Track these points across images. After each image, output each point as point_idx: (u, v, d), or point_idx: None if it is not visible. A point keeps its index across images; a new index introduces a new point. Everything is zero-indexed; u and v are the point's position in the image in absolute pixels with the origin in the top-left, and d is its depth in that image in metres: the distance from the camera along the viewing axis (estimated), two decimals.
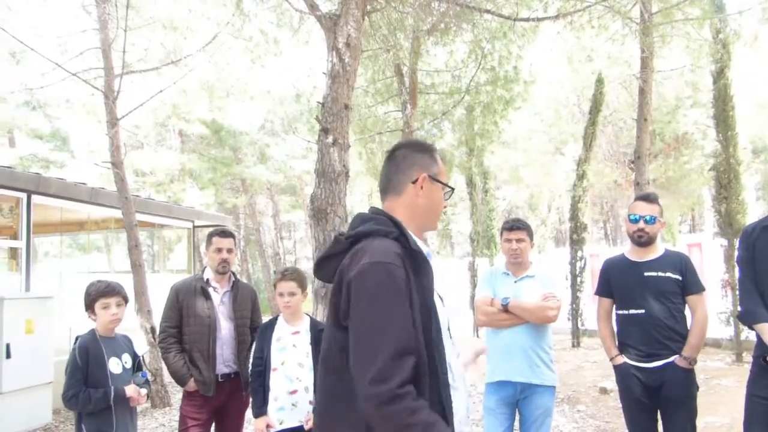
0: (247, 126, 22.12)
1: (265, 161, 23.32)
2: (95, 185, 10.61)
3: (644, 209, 3.86)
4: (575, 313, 12.44)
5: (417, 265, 1.85)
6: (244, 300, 4.36)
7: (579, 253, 12.59)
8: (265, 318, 4.19)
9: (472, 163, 14.72)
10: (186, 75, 10.72)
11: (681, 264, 3.80)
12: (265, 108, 21.89)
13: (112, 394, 3.50)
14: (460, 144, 13.47)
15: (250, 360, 3.91)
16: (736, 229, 9.19)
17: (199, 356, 4.13)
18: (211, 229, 4.48)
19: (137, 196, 11.32)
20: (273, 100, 20.16)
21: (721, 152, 9.81)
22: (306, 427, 3.64)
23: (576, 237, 12.64)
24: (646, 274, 3.80)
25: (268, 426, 3.65)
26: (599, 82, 12.36)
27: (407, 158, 2.06)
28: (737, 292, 4.22)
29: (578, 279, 12.53)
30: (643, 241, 3.84)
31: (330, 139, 5.22)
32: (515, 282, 4.03)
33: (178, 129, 23.14)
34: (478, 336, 14.25)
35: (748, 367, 3.43)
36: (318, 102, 5.53)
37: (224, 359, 4.19)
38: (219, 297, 4.27)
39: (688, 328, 3.77)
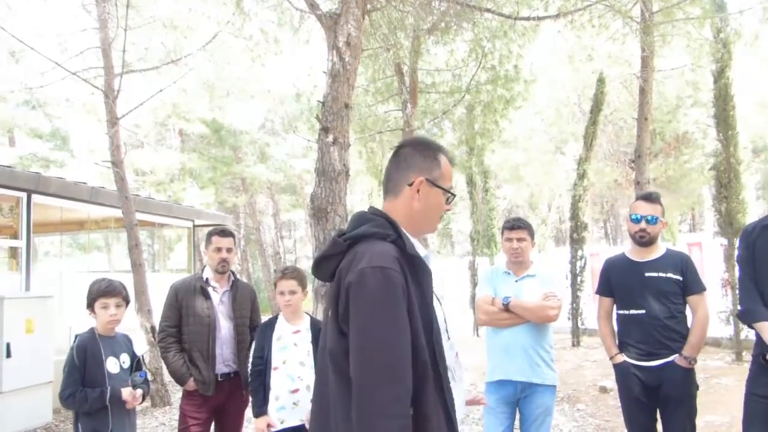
0: (248, 125, 22.12)
1: (266, 160, 23.32)
2: (95, 184, 10.61)
3: (646, 209, 3.85)
4: (575, 313, 12.44)
5: (415, 268, 1.84)
6: (243, 299, 4.35)
7: (579, 253, 12.59)
8: (265, 317, 4.18)
9: (473, 162, 14.72)
10: (186, 74, 10.73)
11: (682, 264, 3.79)
12: (265, 107, 21.90)
13: (108, 394, 3.49)
14: (460, 143, 13.47)
15: (250, 359, 3.90)
16: (736, 228, 9.19)
17: (198, 356, 4.13)
18: (211, 228, 4.47)
19: (137, 195, 11.33)
20: (273, 99, 20.16)
21: (722, 151, 9.81)
22: (307, 426, 3.64)
23: (576, 236, 12.64)
24: (646, 274, 3.79)
25: (268, 425, 3.65)
26: (600, 81, 12.36)
27: (407, 159, 2.02)
28: (737, 292, 4.22)
29: (578, 278, 12.53)
30: (644, 241, 3.83)
31: (330, 138, 5.22)
32: (516, 281, 4.02)
33: (178, 128, 23.14)
34: (478, 335, 14.25)
35: (747, 366, 3.43)
36: (318, 101, 5.52)
37: (224, 359, 4.19)
38: (218, 296, 4.26)
39: (689, 327, 3.76)
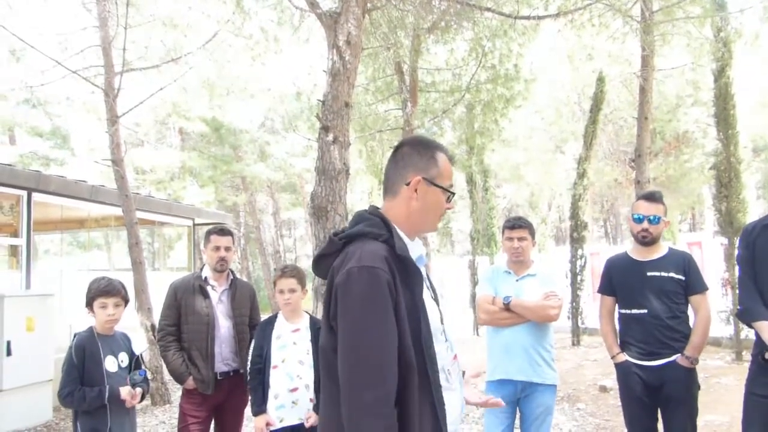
0: (248, 124, 22.09)
1: (266, 159, 23.30)
2: (95, 183, 10.61)
3: (648, 209, 3.83)
4: (575, 312, 12.44)
5: (404, 268, 1.85)
6: (242, 298, 4.36)
7: (579, 252, 12.58)
8: (265, 316, 4.18)
9: (473, 161, 14.71)
10: (186, 73, 10.72)
11: (684, 264, 3.78)
12: (265, 106, 21.86)
13: (107, 393, 3.49)
14: (460, 142, 13.47)
15: (249, 357, 3.90)
16: (736, 227, 9.19)
17: (197, 354, 4.13)
18: (211, 226, 4.47)
19: (137, 193, 11.33)
20: (273, 98, 20.13)
21: (722, 151, 9.80)
22: (307, 425, 3.64)
23: (576, 235, 12.63)
24: (648, 273, 3.78)
25: (267, 424, 3.65)
26: (600, 80, 12.34)
27: (405, 159, 2.02)
28: (737, 291, 4.22)
29: (578, 277, 12.52)
30: (646, 241, 3.82)
31: (330, 137, 5.22)
32: (517, 280, 4.01)
33: (178, 127, 23.12)
34: (478, 334, 14.25)
35: (747, 365, 3.43)
36: (318, 100, 5.52)
37: (223, 357, 4.20)
38: (217, 295, 4.27)
39: (691, 327, 3.75)
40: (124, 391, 3.56)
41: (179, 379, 4.16)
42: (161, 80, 10.19)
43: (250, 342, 4.04)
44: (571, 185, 13.43)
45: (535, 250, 4.39)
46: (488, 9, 8.08)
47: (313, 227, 5.28)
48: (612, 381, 7.91)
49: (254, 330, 4.10)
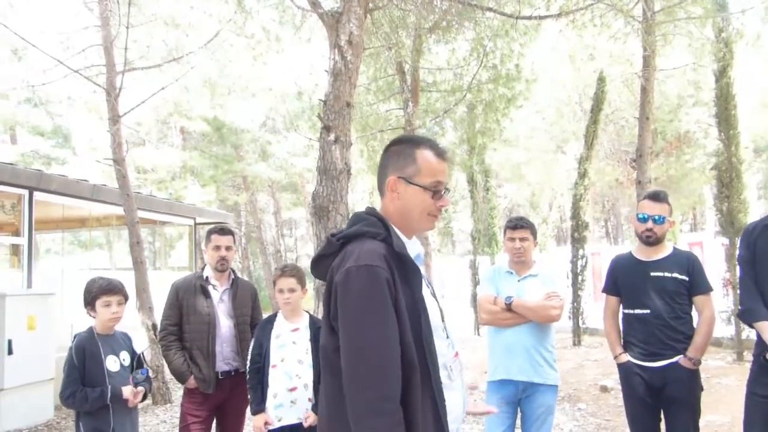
0: (249, 123, 22.10)
1: (267, 159, 23.30)
2: (97, 182, 10.62)
3: (653, 209, 3.81)
4: (576, 312, 12.43)
5: (403, 266, 1.86)
6: (243, 297, 4.36)
7: (580, 252, 12.58)
8: (266, 315, 4.18)
9: (474, 161, 14.71)
10: (188, 72, 10.74)
11: (688, 264, 3.76)
12: (266, 105, 21.87)
13: (109, 393, 3.49)
14: (461, 142, 13.48)
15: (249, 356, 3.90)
16: (737, 228, 9.19)
17: (198, 354, 4.14)
18: (212, 226, 4.48)
19: (139, 193, 11.34)
20: (275, 97, 20.14)
21: (723, 151, 9.80)
22: (305, 424, 3.64)
23: (577, 235, 12.63)
24: (652, 274, 3.76)
25: (266, 423, 3.65)
26: (601, 80, 12.34)
27: (387, 159, 2.04)
28: (738, 291, 4.22)
29: (579, 277, 12.52)
30: (650, 240, 3.81)
31: (332, 136, 5.22)
32: (518, 281, 4.01)
33: (179, 126, 23.14)
34: (479, 334, 14.26)
35: (748, 366, 3.43)
36: (320, 99, 5.53)
37: (224, 357, 4.20)
38: (218, 295, 4.27)
39: (695, 328, 3.74)
40: (127, 391, 3.56)
41: (180, 378, 4.16)
42: (163, 79, 10.20)
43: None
44: (572, 185, 13.42)
45: (537, 251, 4.39)
46: (490, 9, 8.08)
47: (314, 227, 5.29)
48: (613, 381, 7.91)
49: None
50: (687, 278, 3.72)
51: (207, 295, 4.21)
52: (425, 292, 1.92)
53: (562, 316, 3.98)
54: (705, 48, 9.89)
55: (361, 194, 23.80)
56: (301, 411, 3.65)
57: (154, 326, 8.03)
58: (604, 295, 4.12)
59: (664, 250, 3.85)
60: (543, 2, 8.24)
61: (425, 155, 1.98)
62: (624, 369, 3.87)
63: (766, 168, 21.39)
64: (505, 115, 11.69)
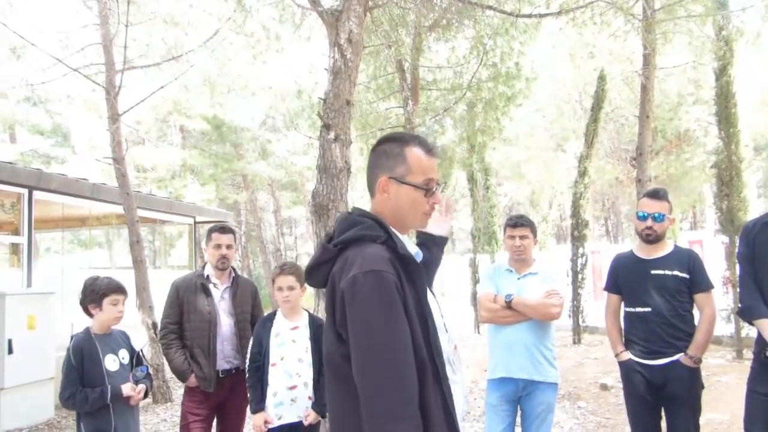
0: (249, 122, 22.10)
1: (267, 157, 23.28)
2: (96, 181, 10.63)
3: (653, 206, 3.82)
4: (576, 310, 12.43)
5: (408, 267, 1.84)
6: (244, 295, 4.37)
7: (580, 250, 12.57)
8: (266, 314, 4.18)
9: (474, 159, 14.68)
10: (187, 71, 10.73)
11: (689, 262, 3.76)
12: (266, 104, 21.86)
13: (109, 393, 3.48)
14: (461, 140, 13.45)
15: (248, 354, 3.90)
16: (737, 226, 9.19)
17: (199, 352, 4.14)
18: (212, 224, 4.48)
19: (139, 192, 11.34)
20: (274, 96, 20.13)
21: (723, 149, 9.80)
22: (305, 423, 3.63)
23: (577, 234, 12.62)
24: (652, 272, 3.77)
25: (265, 422, 3.65)
26: (601, 78, 12.33)
27: (376, 159, 2.00)
28: (738, 289, 4.22)
29: (579, 276, 12.52)
30: (650, 238, 3.81)
31: (331, 135, 5.21)
32: (518, 279, 4.01)
33: (179, 125, 23.12)
34: (479, 332, 14.26)
35: (748, 364, 3.43)
36: (319, 98, 5.51)
37: (225, 355, 4.20)
38: (219, 293, 4.28)
39: (696, 326, 3.73)
40: (127, 388, 3.56)
41: (181, 376, 4.16)
42: (162, 78, 10.20)
43: None
44: (572, 183, 13.42)
45: (537, 249, 4.38)
46: (489, 7, 8.06)
47: (314, 225, 5.27)
48: (613, 379, 7.92)
49: None
50: (688, 276, 3.71)
51: (208, 293, 4.22)
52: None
53: (562, 314, 3.98)
54: (705, 46, 9.88)
55: (361, 192, 23.79)
56: (301, 409, 3.65)
57: (154, 325, 8.03)
58: (605, 293, 4.12)
59: (665, 248, 3.85)
60: (543, 0, 8.24)
61: (414, 153, 1.94)
62: (625, 367, 3.87)
63: (766, 166, 21.39)
64: (505, 113, 11.67)
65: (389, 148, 1.97)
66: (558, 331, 4.56)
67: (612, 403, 7.28)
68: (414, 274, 1.85)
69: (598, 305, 10.57)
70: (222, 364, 4.19)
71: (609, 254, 4.30)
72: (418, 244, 2.38)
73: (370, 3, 6.15)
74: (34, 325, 7.42)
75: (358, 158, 13.88)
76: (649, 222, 3.79)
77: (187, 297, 4.19)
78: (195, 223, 13.53)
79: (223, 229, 4.31)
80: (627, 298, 3.92)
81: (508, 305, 3.86)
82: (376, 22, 8.75)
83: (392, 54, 10.34)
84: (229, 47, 10.91)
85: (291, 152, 22.86)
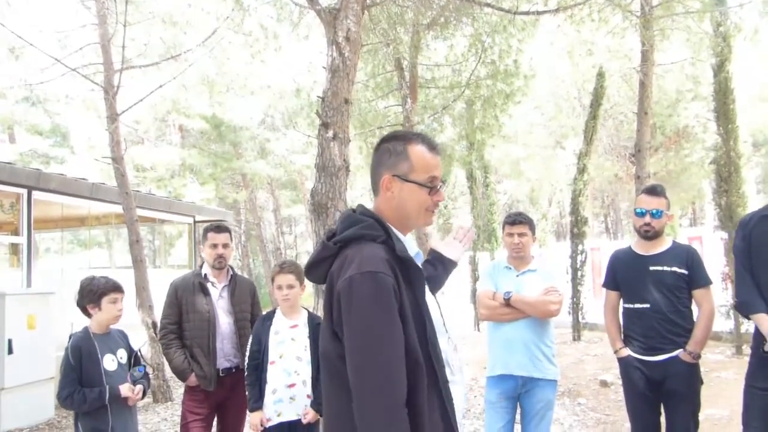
0: (248, 121, 22.11)
1: (266, 156, 23.30)
2: (96, 181, 10.62)
3: (650, 203, 3.82)
4: (576, 307, 12.43)
5: (406, 268, 1.84)
6: (242, 294, 4.37)
7: (580, 247, 12.57)
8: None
9: (473, 157, 14.67)
10: (186, 70, 10.73)
11: (687, 258, 3.76)
12: (265, 103, 21.88)
13: (107, 393, 3.48)
14: (460, 138, 13.45)
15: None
16: (736, 222, 9.17)
17: (199, 351, 4.15)
18: (208, 224, 4.49)
19: (138, 191, 11.34)
20: (273, 94, 20.15)
21: (722, 145, 9.79)
22: (304, 421, 3.64)
23: (577, 231, 12.62)
24: (651, 268, 3.77)
25: (262, 422, 3.66)
26: (600, 75, 12.32)
27: (379, 157, 1.99)
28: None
29: (579, 273, 12.52)
30: (649, 235, 3.82)
31: (330, 133, 5.21)
32: (517, 276, 4.01)
33: (178, 124, 23.12)
34: (479, 330, 14.26)
35: (748, 359, 3.43)
36: (318, 96, 5.52)
37: (224, 353, 4.21)
38: (217, 292, 4.28)
39: (694, 321, 3.74)
40: (124, 389, 3.56)
41: (181, 376, 4.17)
42: (161, 77, 10.20)
43: None
44: (572, 180, 13.42)
45: (536, 246, 4.39)
46: (487, 5, 8.07)
47: (313, 224, 5.28)
48: (612, 376, 7.92)
49: None
50: (686, 272, 3.72)
51: (206, 292, 4.22)
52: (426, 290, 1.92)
53: (562, 311, 3.98)
54: (703, 42, 9.88)
55: (360, 191, 23.79)
56: (300, 407, 3.65)
57: (154, 324, 8.04)
58: (604, 290, 4.12)
59: (663, 244, 3.86)
60: None
61: (418, 151, 1.94)
62: (624, 363, 3.88)
63: (764, 162, 21.41)
64: (504, 110, 11.67)
65: (392, 146, 1.97)
66: (558, 328, 4.57)
67: (612, 400, 7.29)
68: (412, 276, 1.85)
69: (598, 302, 10.58)
70: (222, 363, 4.19)
71: (609, 251, 4.31)
72: (427, 261, 2.40)
73: (368, 1, 6.15)
74: (34, 325, 7.43)
75: (357, 156, 13.89)
76: (647, 218, 3.80)
77: (186, 297, 4.19)
78: (194, 222, 13.54)
79: (219, 228, 4.32)
80: (625, 295, 3.92)
81: (507, 302, 3.86)
82: (374, 20, 8.75)
83: (391, 52, 10.35)
84: (228, 46, 10.92)
85: (290, 151, 22.88)
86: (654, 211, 3.80)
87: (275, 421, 3.64)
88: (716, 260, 9.81)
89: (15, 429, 7.06)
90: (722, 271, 9.66)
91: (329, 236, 1.95)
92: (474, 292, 14.95)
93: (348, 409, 1.72)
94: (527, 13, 7.96)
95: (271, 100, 21.29)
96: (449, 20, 9.34)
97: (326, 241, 1.92)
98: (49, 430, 7.27)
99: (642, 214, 3.83)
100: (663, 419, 3.83)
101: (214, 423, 4.37)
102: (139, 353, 3.86)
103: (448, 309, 2.10)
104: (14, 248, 9.94)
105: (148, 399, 8.17)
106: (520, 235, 4.00)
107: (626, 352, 3.85)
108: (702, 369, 3.83)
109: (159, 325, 4.40)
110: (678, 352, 3.66)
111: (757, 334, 3.26)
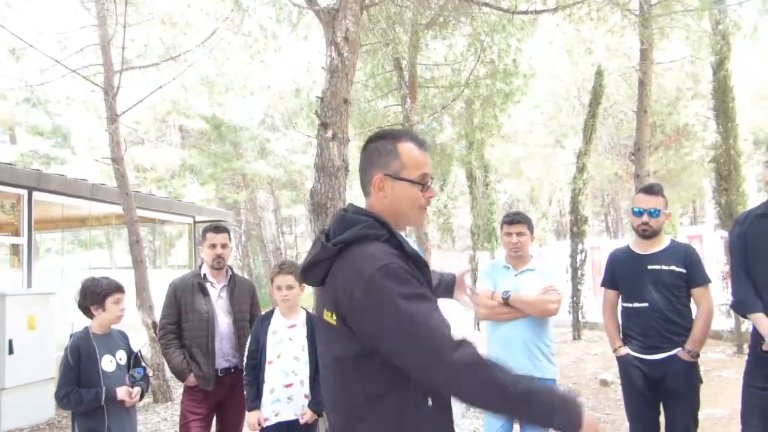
0: (247, 121, 22.11)
1: (266, 156, 23.30)
2: (96, 181, 10.64)
3: (648, 202, 3.83)
4: (576, 306, 12.45)
5: (415, 263, 1.84)
6: (241, 294, 4.38)
7: (580, 246, 12.59)
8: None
9: (473, 156, 14.69)
10: (185, 71, 10.73)
11: (686, 256, 3.76)
12: (264, 103, 21.87)
13: (104, 394, 3.48)
14: (460, 138, 13.45)
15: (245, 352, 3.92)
16: None
17: (198, 351, 4.16)
18: (206, 224, 4.50)
19: (138, 192, 11.35)
20: (273, 95, 20.14)
21: (722, 144, 9.80)
22: (301, 421, 3.65)
23: (576, 230, 12.63)
24: (649, 267, 3.77)
25: (259, 421, 3.66)
26: (599, 74, 12.34)
27: (368, 157, 1.97)
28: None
29: (579, 272, 12.53)
30: (647, 234, 3.82)
31: (329, 133, 5.21)
32: (516, 275, 4.02)
33: (178, 125, 23.13)
34: (478, 329, 14.27)
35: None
36: (317, 97, 5.52)
37: (223, 353, 4.22)
38: (216, 292, 4.29)
39: (693, 320, 3.74)
40: (122, 392, 3.55)
41: (180, 376, 4.18)
42: (161, 78, 10.20)
43: None
44: (571, 179, 13.43)
45: (536, 245, 4.39)
46: (486, 4, 8.07)
47: (313, 224, 5.28)
48: (612, 375, 7.92)
49: None
50: (684, 270, 3.72)
51: (205, 293, 4.23)
52: None
53: (561, 310, 3.99)
54: (702, 41, 9.87)
55: (359, 191, 23.73)
56: (298, 407, 3.66)
57: (154, 324, 8.04)
58: (603, 289, 4.13)
59: (662, 243, 3.86)
60: None
61: (407, 148, 1.93)
62: (623, 362, 3.88)
63: (765, 160, 21.37)
64: (504, 110, 11.66)
65: (381, 146, 1.95)
66: (558, 327, 4.58)
67: (612, 399, 7.29)
68: (422, 270, 1.84)
69: (598, 301, 10.56)
70: (221, 363, 4.20)
71: (608, 250, 4.30)
72: (434, 271, 2.40)
73: (366, 1, 6.15)
74: (35, 326, 7.44)
75: (356, 157, 13.87)
76: (645, 217, 3.80)
77: (185, 297, 4.20)
78: (194, 222, 13.55)
79: (218, 229, 4.32)
80: (624, 294, 3.93)
81: (506, 302, 3.87)
82: (373, 20, 8.76)
83: (390, 52, 10.35)
84: (227, 47, 10.92)
85: (290, 151, 22.87)
86: (651, 210, 3.80)
87: (273, 420, 3.65)
88: (717, 259, 9.83)
89: (15, 429, 7.07)
90: (722, 269, 9.67)
91: (325, 237, 1.91)
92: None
93: (381, 403, 1.73)
94: (526, 12, 7.96)
95: (271, 101, 21.28)
96: (448, 20, 9.34)
97: (325, 242, 1.88)
98: (50, 431, 7.28)
99: (640, 213, 3.83)
100: (662, 418, 3.83)
101: (214, 423, 4.38)
102: (139, 354, 3.86)
103: (448, 308, 2.10)
104: (15, 249, 9.94)
105: (148, 399, 8.18)
106: (518, 234, 4.00)
107: (625, 351, 3.86)
108: (702, 368, 3.84)
109: (158, 325, 4.41)
110: (677, 350, 3.66)
111: (755, 333, 3.26)
